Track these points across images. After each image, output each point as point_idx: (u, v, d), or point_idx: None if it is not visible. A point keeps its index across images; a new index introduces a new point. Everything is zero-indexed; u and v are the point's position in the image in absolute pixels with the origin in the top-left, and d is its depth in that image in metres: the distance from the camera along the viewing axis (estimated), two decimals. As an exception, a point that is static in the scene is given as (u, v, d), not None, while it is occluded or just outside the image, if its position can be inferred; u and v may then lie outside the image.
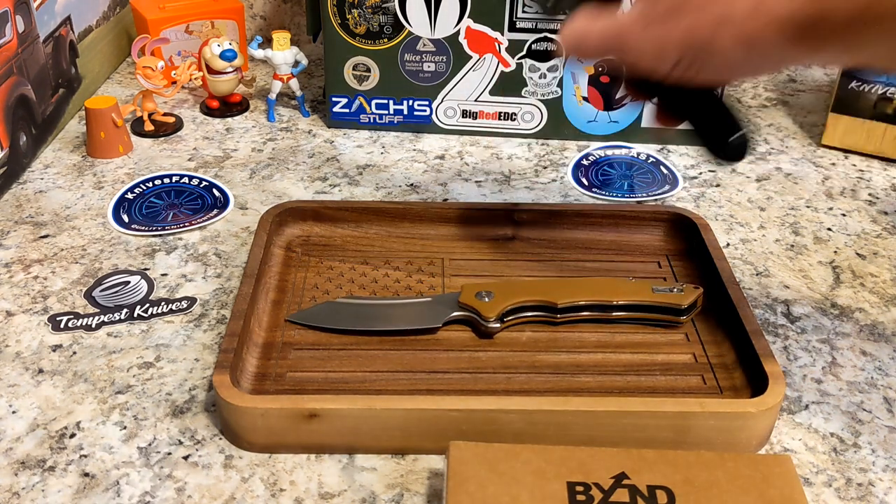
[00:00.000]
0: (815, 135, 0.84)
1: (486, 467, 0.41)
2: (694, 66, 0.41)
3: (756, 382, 0.49)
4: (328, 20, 0.77)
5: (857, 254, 0.66)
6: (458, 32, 0.76)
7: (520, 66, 0.78)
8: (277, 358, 0.52)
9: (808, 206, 0.72)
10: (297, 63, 0.83)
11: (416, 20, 0.76)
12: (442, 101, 0.80)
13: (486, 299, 0.54)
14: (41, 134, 0.77)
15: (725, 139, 0.46)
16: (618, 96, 0.79)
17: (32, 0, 0.74)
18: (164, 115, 0.83)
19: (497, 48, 0.77)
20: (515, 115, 0.80)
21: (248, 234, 0.66)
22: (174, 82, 0.83)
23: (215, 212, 0.69)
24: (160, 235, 0.66)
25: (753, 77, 0.44)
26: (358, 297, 0.57)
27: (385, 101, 0.81)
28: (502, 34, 0.76)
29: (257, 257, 0.57)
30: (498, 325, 0.54)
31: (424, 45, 0.77)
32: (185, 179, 0.73)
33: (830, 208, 0.72)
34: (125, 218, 0.68)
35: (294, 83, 0.84)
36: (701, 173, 0.76)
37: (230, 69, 0.83)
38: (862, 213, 0.71)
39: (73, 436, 0.48)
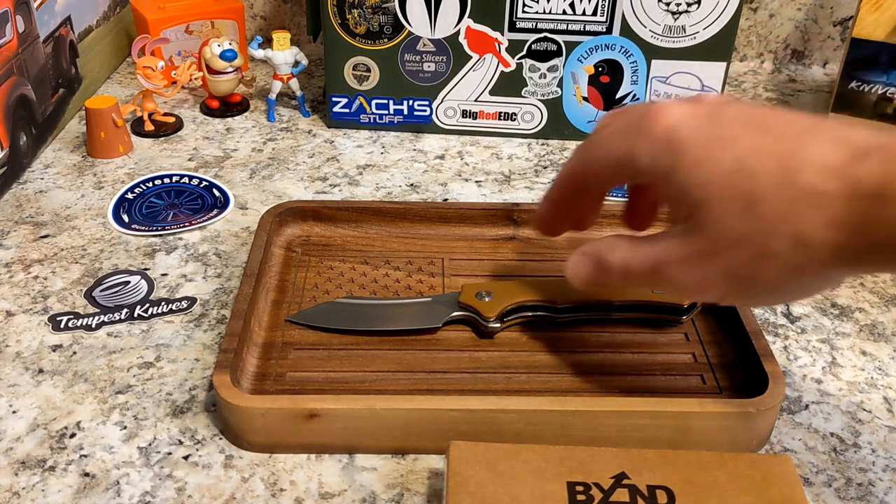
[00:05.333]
0: (815, 135, 0.84)
1: (486, 467, 0.41)
2: (742, 296, 0.41)
3: (756, 382, 0.49)
4: (328, 20, 0.77)
5: (857, 254, 0.66)
6: (458, 32, 0.76)
7: (520, 66, 0.78)
8: (277, 358, 0.52)
9: (808, 206, 0.72)
10: (297, 63, 0.83)
11: (416, 20, 0.76)
12: (442, 101, 0.80)
13: (487, 299, 0.54)
14: (41, 134, 0.77)
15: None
16: (618, 96, 0.79)
17: (32, 0, 0.74)
18: (164, 115, 0.83)
19: (497, 48, 0.77)
20: (515, 115, 0.80)
21: (248, 234, 0.66)
22: (174, 82, 0.83)
23: (215, 212, 0.69)
24: (160, 235, 0.66)
25: (805, 298, 0.45)
26: (358, 298, 0.57)
27: (385, 101, 0.81)
28: (502, 34, 0.76)
29: (257, 257, 0.57)
30: (498, 324, 0.54)
31: (424, 45, 0.77)
32: (185, 179, 0.73)
33: (830, 208, 0.72)
34: (125, 218, 0.68)
35: (294, 83, 0.84)
36: (701, 173, 0.76)
37: (230, 69, 0.83)
38: (862, 213, 0.71)
39: (73, 436, 0.48)
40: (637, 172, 0.42)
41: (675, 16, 0.74)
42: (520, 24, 0.76)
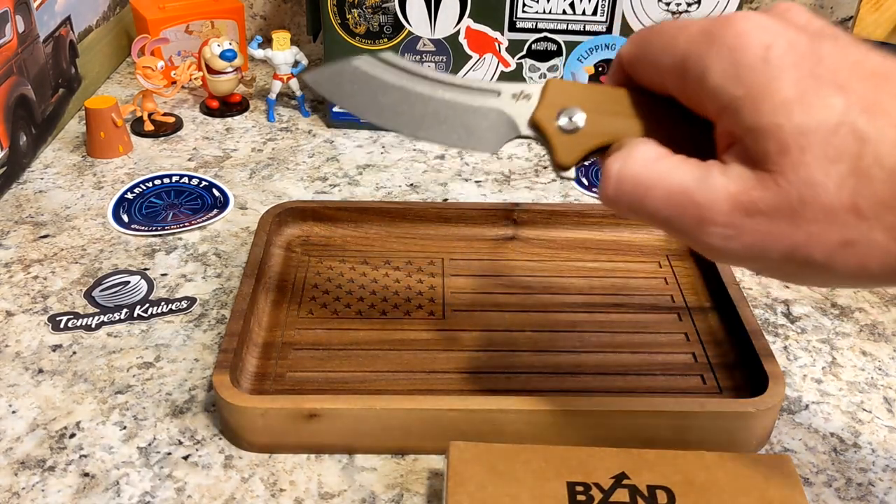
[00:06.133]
0: (815, 135, 0.84)
1: (486, 467, 0.41)
2: (789, 277, 0.32)
3: (756, 382, 0.49)
4: (328, 20, 0.77)
5: (857, 254, 0.66)
6: (458, 32, 0.76)
7: (520, 66, 0.78)
8: (277, 358, 0.52)
9: (808, 206, 0.72)
10: (297, 63, 0.83)
11: (416, 20, 0.76)
12: (442, 101, 0.80)
13: (578, 124, 0.36)
14: (41, 134, 0.77)
15: None
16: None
17: (32, 0, 0.74)
18: (164, 115, 0.83)
19: (497, 48, 0.77)
20: (515, 115, 0.80)
21: (247, 234, 0.66)
22: (174, 82, 0.83)
23: (215, 212, 0.69)
24: (160, 235, 0.66)
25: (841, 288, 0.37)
26: (391, 61, 0.40)
27: (385, 101, 0.81)
28: (502, 34, 0.76)
29: (257, 257, 0.57)
30: (572, 174, 0.38)
31: (424, 44, 0.77)
32: (185, 179, 0.73)
33: (830, 208, 0.72)
34: (125, 218, 0.68)
35: (294, 83, 0.84)
36: (701, 173, 0.76)
37: (230, 69, 0.83)
38: (862, 213, 0.71)
39: (73, 436, 0.48)
40: (697, 86, 0.32)
41: (675, 16, 0.74)
42: (520, 24, 0.76)
